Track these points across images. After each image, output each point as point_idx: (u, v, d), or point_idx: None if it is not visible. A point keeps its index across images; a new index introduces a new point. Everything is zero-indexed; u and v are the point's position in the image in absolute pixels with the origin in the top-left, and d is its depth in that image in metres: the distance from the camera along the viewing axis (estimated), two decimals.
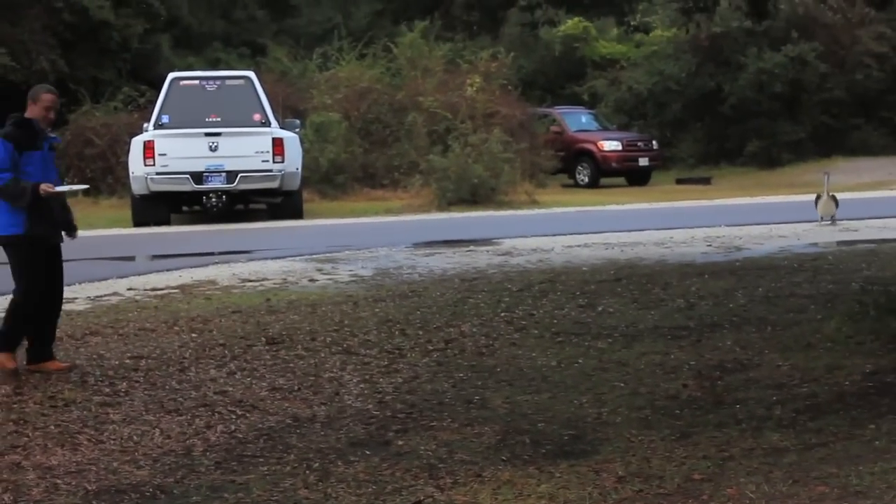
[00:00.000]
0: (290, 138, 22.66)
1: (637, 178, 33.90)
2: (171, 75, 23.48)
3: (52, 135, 9.61)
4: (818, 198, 19.05)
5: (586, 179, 33.88)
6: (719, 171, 35.69)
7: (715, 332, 10.10)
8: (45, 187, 9.03)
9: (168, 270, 15.00)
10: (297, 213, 22.88)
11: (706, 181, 33.58)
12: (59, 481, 6.64)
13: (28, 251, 9.15)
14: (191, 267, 15.22)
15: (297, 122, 24.95)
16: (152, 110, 23.95)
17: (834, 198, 18.95)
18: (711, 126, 37.68)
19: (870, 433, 6.78)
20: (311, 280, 13.95)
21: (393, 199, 27.04)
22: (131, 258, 17.42)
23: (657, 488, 5.99)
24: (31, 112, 9.21)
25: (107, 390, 8.65)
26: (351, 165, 29.40)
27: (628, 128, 37.30)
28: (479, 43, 36.62)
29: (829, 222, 18.75)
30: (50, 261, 9.30)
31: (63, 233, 9.55)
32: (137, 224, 21.95)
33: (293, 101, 31.02)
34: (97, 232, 19.96)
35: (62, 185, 9.74)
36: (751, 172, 35.07)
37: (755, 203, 24.16)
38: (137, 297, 12.83)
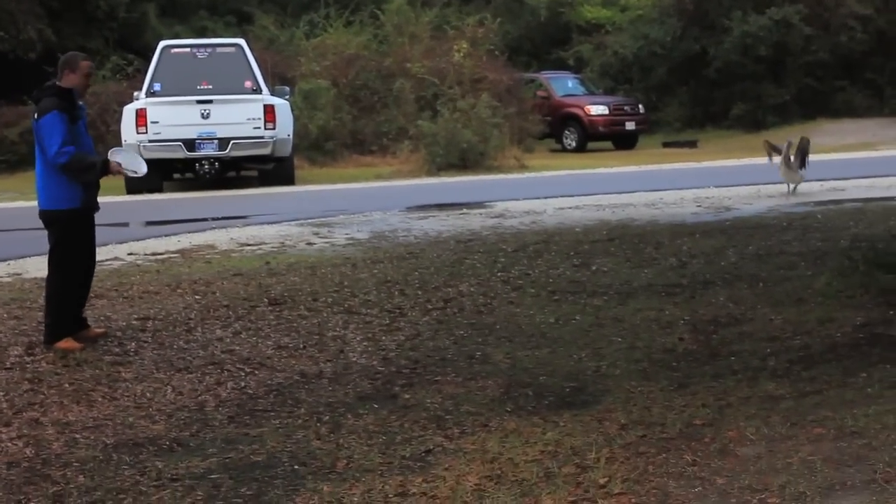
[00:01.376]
0: (282, 105, 22.78)
1: (624, 141, 34.07)
2: (161, 43, 23.54)
3: (81, 103, 9.27)
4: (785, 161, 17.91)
5: (573, 144, 34.02)
6: (705, 134, 35.86)
7: (708, 288, 10.31)
8: (115, 165, 9.05)
9: (166, 236, 15.18)
10: (288, 180, 23.01)
11: (693, 144, 33.77)
12: (77, 436, 6.85)
13: (78, 226, 9.01)
14: (188, 232, 15.39)
15: (287, 89, 25.04)
16: (141, 79, 24.01)
17: (796, 163, 17.86)
18: (697, 89, 37.81)
19: (862, 381, 7.02)
20: (309, 243, 14.14)
21: (382, 165, 27.17)
22: (127, 224, 17.54)
23: (660, 433, 6.21)
24: (69, 81, 8.95)
25: (116, 350, 8.85)
26: (340, 132, 29.50)
27: (614, 92, 37.42)
28: (464, 9, 36.80)
29: (792, 189, 17.83)
30: (91, 230, 9.26)
31: None
32: (130, 191, 22.04)
33: (281, 68, 31.08)
34: None
35: (117, 150, 9.60)
36: (736, 135, 35.22)
37: (742, 164, 24.34)
38: (139, 262, 13.01)
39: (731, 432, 6.09)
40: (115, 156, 9.20)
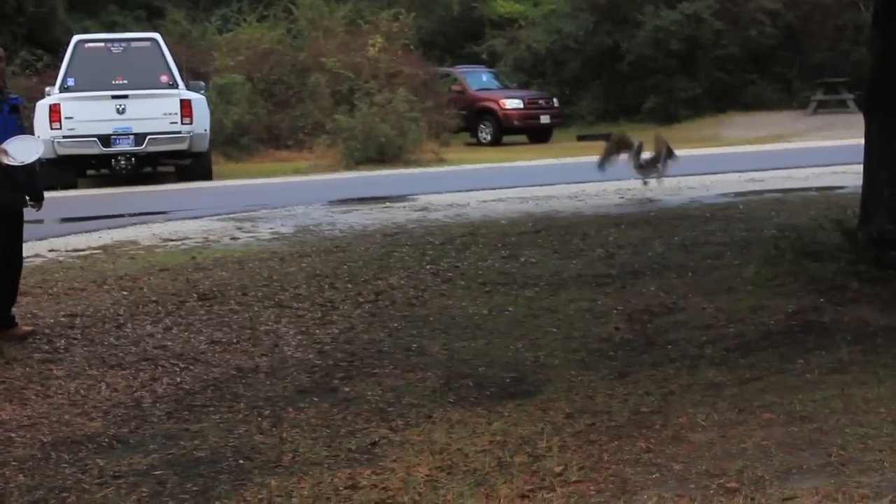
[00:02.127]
0: (198, 100, 22.57)
1: (539, 135, 34.19)
2: (75, 38, 23.19)
3: (14, 96, 9.11)
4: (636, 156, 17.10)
5: (489, 137, 34.08)
6: (619, 128, 35.93)
7: (638, 278, 10.35)
8: None
9: (86, 232, 14.95)
10: (206, 175, 22.80)
11: (607, 137, 33.55)
12: (12, 434, 6.71)
13: None
14: (108, 228, 15.18)
15: (202, 84, 24.81)
16: (52, 74, 23.65)
17: (653, 161, 17.18)
18: (610, 83, 38.03)
19: (800, 367, 7.08)
20: (233, 238, 14.01)
21: (299, 160, 27.04)
22: (42, 221, 17.26)
23: (608, 421, 6.21)
24: None
25: (46, 347, 8.70)
26: (255, 127, 29.33)
27: (528, 86, 37.55)
28: (378, 3, 36.68)
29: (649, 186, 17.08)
30: (10, 228, 8.94)
31: (28, 200, 9.19)
32: (45, 188, 21.69)
33: (194, 63, 30.76)
34: None
35: (25, 137, 9.11)
36: (649, 128, 35.29)
37: None
38: (60, 259, 12.80)
39: (681, 419, 6.11)
40: (10, 143, 8.72)
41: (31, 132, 24.58)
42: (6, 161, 8.54)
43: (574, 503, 5.04)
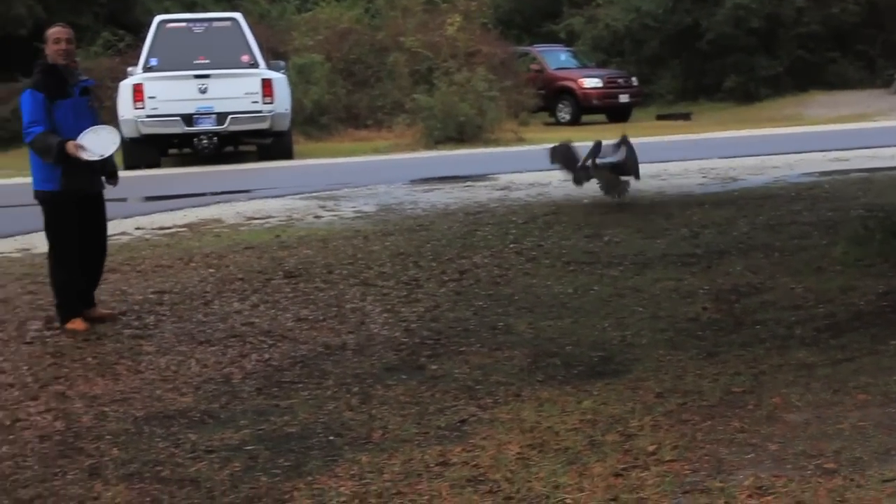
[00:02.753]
0: (279, 79, 22.67)
1: (617, 114, 33.99)
2: (157, 18, 23.40)
3: (84, 78, 8.94)
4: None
5: (567, 117, 33.96)
6: (698, 107, 35.83)
7: (723, 258, 10.28)
8: (71, 147, 8.40)
9: (171, 210, 15.09)
10: (287, 154, 22.91)
11: (686, 116, 33.74)
12: (106, 409, 6.79)
13: (63, 208, 8.63)
14: (192, 207, 15.31)
15: (283, 63, 24.94)
16: (133, 54, 23.83)
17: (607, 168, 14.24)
18: (689, 62, 37.74)
19: (893, 348, 7.00)
20: (316, 217, 14.08)
21: (378, 139, 27.08)
22: (125, 199, 17.44)
23: (699, 401, 6.17)
24: (49, 54, 8.63)
25: (136, 324, 8.79)
26: (334, 106, 29.42)
27: (606, 65, 37.35)
28: None
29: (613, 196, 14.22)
30: (90, 211, 8.79)
31: (104, 179, 8.98)
32: (128, 167, 21.91)
33: (273, 43, 30.90)
34: None
35: (98, 128, 8.74)
36: (729, 107, 35.23)
37: (740, 136, 24.31)
38: (147, 236, 12.94)
39: (775, 399, 6.06)
40: (85, 136, 8.55)
41: (105, 113, 24.98)
42: (85, 157, 8.50)
43: (669, 482, 5.01)
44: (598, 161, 14.10)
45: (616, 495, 4.89)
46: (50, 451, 6.05)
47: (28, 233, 12.83)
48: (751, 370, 6.75)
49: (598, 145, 14.26)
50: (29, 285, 10.30)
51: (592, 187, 14.40)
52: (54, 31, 8.73)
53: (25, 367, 7.69)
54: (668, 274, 9.76)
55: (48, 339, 8.40)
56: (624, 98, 34.15)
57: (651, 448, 5.43)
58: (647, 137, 25.48)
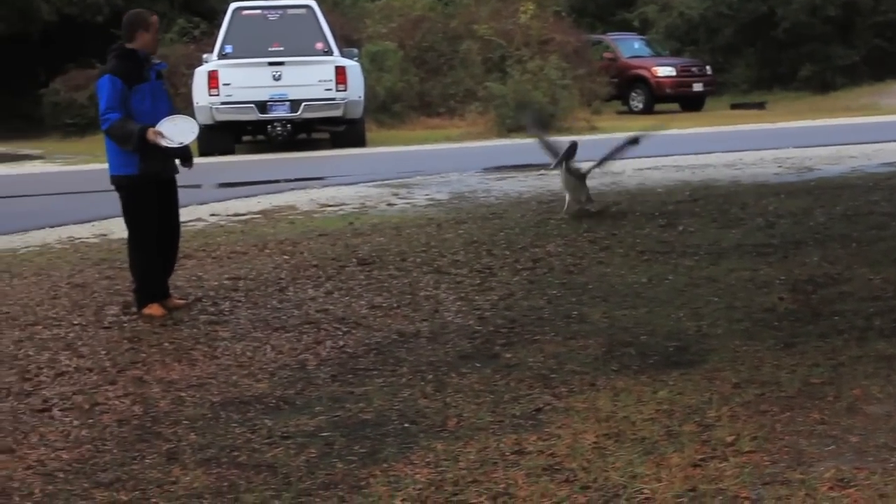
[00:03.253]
0: (353, 66, 22.75)
1: (691, 103, 33.83)
2: (232, 6, 23.53)
3: (157, 61, 8.95)
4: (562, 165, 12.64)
5: (640, 106, 33.82)
6: (773, 96, 35.53)
7: (800, 248, 10.17)
8: (151, 134, 8.45)
9: (245, 197, 15.19)
10: (360, 141, 22.99)
11: (761, 106, 33.46)
12: (182, 394, 6.83)
13: (141, 192, 8.63)
14: (266, 193, 15.40)
15: (356, 51, 25.00)
16: (208, 42, 23.99)
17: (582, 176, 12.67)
18: (764, 51, 37.44)
19: None
20: (389, 204, 14.11)
21: (450, 127, 27.11)
22: (199, 186, 17.58)
23: (778, 392, 6.11)
24: (141, 40, 8.60)
25: (211, 310, 8.85)
26: (407, 94, 29.49)
27: (680, 54, 37.14)
28: None
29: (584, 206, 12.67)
30: (164, 195, 8.82)
31: (179, 162, 9.02)
32: (203, 154, 22.09)
33: (346, 31, 30.98)
34: None
35: (175, 116, 8.82)
36: (804, 97, 34.91)
37: (816, 126, 24.07)
38: (222, 223, 13.04)
39: (855, 391, 5.98)
40: (163, 125, 8.57)
41: (180, 100, 25.19)
42: (164, 143, 8.54)
43: (748, 473, 4.97)
44: (570, 165, 12.63)
45: (694, 486, 4.86)
46: (128, 436, 6.10)
47: (105, 218, 12.96)
48: (829, 361, 6.67)
49: (573, 146, 12.71)
50: (106, 270, 10.42)
51: (667, 176, 14.31)
52: (155, 20, 8.80)
53: (104, 352, 7.77)
54: (743, 264, 9.68)
55: (126, 324, 8.49)
56: (698, 87, 33.96)
57: (729, 439, 5.39)
58: (721, 127, 25.38)
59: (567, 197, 12.66)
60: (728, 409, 5.85)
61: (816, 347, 7.02)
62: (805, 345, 7.11)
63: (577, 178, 12.61)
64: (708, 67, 34.93)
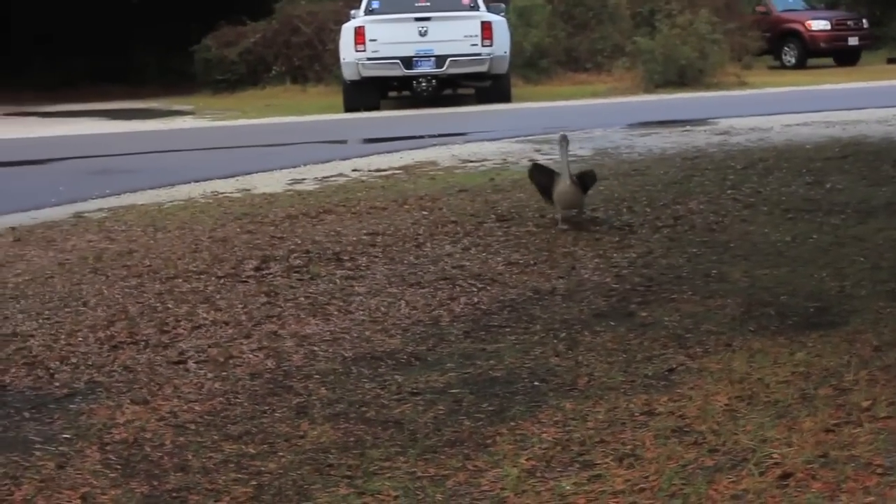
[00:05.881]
0: (498, 22, 22.66)
1: (846, 58, 33.06)
2: None
3: None
4: (540, 175, 10.41)
5: (793, 60, 33.16)
6: None
7: None
8: None
9: (388, 153, 15.25)
10: (505, 97, 22.92)
11: None
12: (315, 349, 6.86)
13: None
14: (409, 149, 15.43)
15: (503, 6, 24.89)
16: None
17: (582, 179, 10.06)
18: None
19: None
20: (531, 160, 14.00)
21: (597, 83, 26.89)
22: (345, 141, 17.70)
23: None
24: None
25: (348, 265, 8.88)
26: (554, 49, 29.30)
27: (835, 7, 36.27)
28: None
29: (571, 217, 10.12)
30: None
31: None
32: (349, 109, 22.23)
33: None
34: (311, 117, 20.34)
35: None
36: None
37: None
38: (363, 178, 13.09)
39: None
40: None
41: (328, 56, 25.25)
42: None
43: (883, 440, 4.81)
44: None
45: (825, 452, 4.72)
46: (260, 389, 6.14)
47: (248, 174, 13.12)
48: None
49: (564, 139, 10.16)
50: (248, 225, 10.53)
51: (816, 132, 13.99)
52: None
53: (240, 306, 7.84)
54: (892, 223, 9.40)
55: (263, 279, 8.55)
56: (853, 41, 33.17)
57: (865, 404, 5.22)
58: (875, 82, 24.72)
59: (560, 209, 10.04)
60: (867, 373, 5.67)
61: None
62: None
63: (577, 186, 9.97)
64: (864, 21, 34.06)
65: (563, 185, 9.82)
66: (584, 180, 10.05)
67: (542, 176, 10.18)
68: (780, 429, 5.01)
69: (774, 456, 4.72)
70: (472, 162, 14.09)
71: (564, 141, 9.95)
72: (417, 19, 22.07)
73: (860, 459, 4.64)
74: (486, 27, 22.13)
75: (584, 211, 10.17)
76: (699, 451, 4.86)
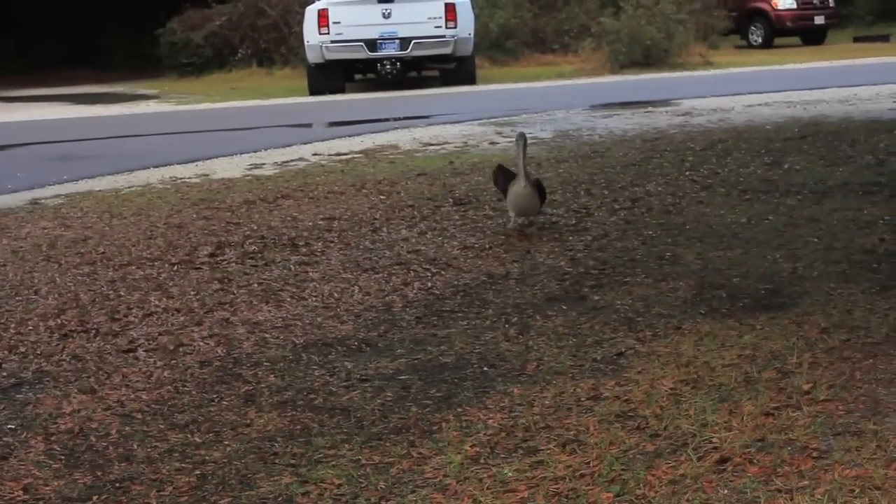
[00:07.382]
0: (462, 4, 22.62)
1: (812, 37, 33.13)
2: None
3: None
4: (504, 179, 9.43)
5: (759, 40, 33.21)
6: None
7: None
8: None
9: (350, 136, 15.22)
10: (469, 79, 22.91)
11: (885, 38, 32.63)
12: (267, 335, 6.84)
13: None
14: (371, 133, 15.40)
15: None
16: None
17: (538, 184, 9.27)
18: None
19: None
20: (492, 143, 14.03)
21: (563, 64, 26.89)
22: (310, 125, 17.64)
23: (864, 338, 5.94)
24: None
25: (304, 250, 8.86)
26: (521, 30, 29.29)
27: None
28: None
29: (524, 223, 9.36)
30: None
31: None
32: (314, 93, 22.17)
33: None
34: (276, 101, 20.27)
35: None
36: None
37: None
38: (323, 162, 13.06)
39: None
40: None
41: (293, 39, 25.21)
42: None
43: (820, 423, 4.83)
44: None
45: (763, 436, 4.74)
46: (209, 377, 6.12)
47: (209, 158, 13.08)
48: None
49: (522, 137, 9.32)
50: (204, 210, 10.49)
51: (777, 112, 14.02)
52: None
53: (193, 293, 7.82)
54: (847, 203, 9.44)
55: (217, 265, 8.53)
56: (819, 20, 33.23)
57: (806, 387, 5.24)
58: (840, 61, 24.80)
59: (513, 213, 9.39)
60: (810, 356, 5.69)
61: None
62: None
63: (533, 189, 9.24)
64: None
65: (517, 187, 9.13)
66: (542, 186, 9.36)
67: (505, 179, 9.46)
68: (722, 413, 5.03)
69: (714, 440, 4.74)
70: (433, 145, 14.07)
71: (522, 139, 9.19)
72: (381, 1, 22.02)
73: (796, 443, 4.65)
74: (450, 9, 22.09)
75: (535, 221, 9.40)
76: (641, 436, 4.87)
